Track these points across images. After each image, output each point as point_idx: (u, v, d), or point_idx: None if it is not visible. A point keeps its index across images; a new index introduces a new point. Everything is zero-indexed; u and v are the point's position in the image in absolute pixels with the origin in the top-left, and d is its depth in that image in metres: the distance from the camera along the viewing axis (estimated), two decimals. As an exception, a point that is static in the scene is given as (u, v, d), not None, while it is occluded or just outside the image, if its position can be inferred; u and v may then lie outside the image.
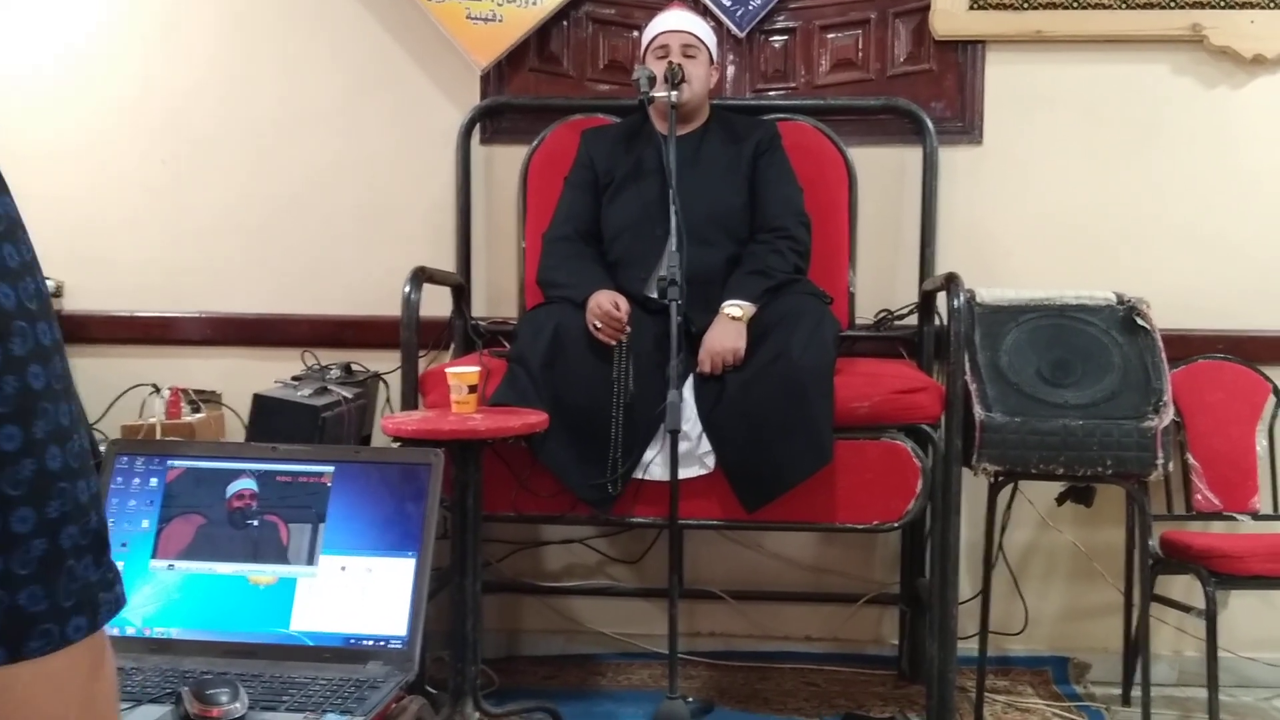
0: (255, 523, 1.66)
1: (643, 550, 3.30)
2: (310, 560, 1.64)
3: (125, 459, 1.68)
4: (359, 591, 1.62)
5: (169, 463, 1.68)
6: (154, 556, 1.65)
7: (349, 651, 1.59)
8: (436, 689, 2.65)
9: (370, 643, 1.60)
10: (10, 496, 0.56)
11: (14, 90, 3.36)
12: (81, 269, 3.28)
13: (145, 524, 1.66)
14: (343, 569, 1.63)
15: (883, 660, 3.26)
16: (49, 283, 2.46)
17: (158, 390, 3.05)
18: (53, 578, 0.58)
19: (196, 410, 3.08)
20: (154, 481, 1.68)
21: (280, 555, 1.65)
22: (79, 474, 0.59)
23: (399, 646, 1.59)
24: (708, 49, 2.97)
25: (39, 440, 0.57)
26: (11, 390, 0.56)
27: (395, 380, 2.93)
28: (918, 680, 3.06)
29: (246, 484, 1.68)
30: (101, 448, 1.74)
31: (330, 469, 1.67)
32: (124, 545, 1.62)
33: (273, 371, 3.04)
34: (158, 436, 2.86)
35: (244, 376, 3.11)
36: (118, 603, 0.62)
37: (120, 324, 3.33)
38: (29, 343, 0.57)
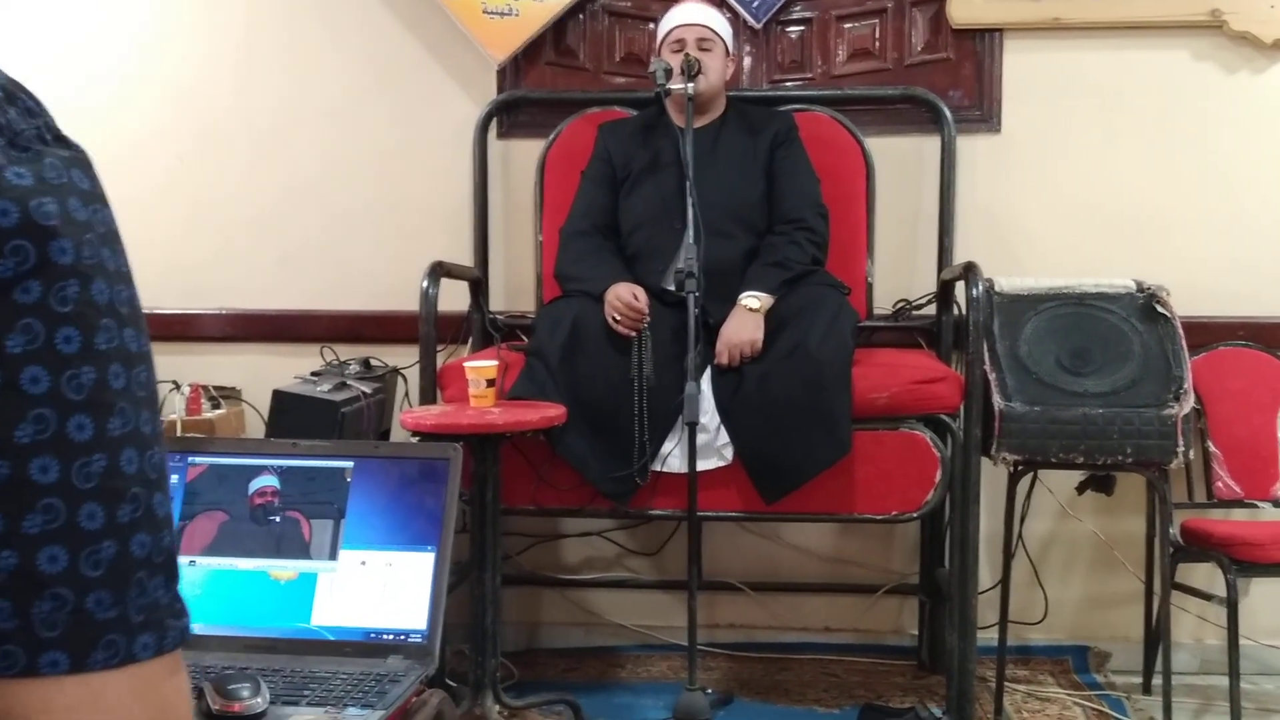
0: (277, 519, 1.67)
1: (662, 542, 3.30)
2: (331, 555, 1.65)
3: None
4: (379, 586, 1.63)
5: (190, 460, 1.70)
6: (176, 553, 1.66)
7: (369, 646, 1.60)
8: (457, 682, 2.66)
9: (390, 637, 1.61)
10: (80, 489, 0.54)
11: (36, 91, 3.37)
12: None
13: (167, 520, 1.67)
14: (363, 564, 1.64)
15: (902, 651, 3.26)
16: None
17: (178, 387, 3.07)
18: (123, 586, 0.56)
19: (216, 407, 3.09)
20: (175, 478, 1.69)
21: (302, 551, 1.66)
22: (155, 485, 0.58)
23: (419, 640, 1.60)
24: (724, 41, 2.96)
25: (114, 438, 0.56)
26: (88, 381, 0.55)
27: (414, 375, 2.94)
28: (937, 670, 3.05)
29: (268, 480, 1.69)
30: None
31: (350, 464, 1.68)
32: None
33: (292, 367, 3.05)
34: (178, 433, 2.88)
35: (263, 372, 3.12)
36: (183, 634, 0.60)
37: (140, 320, 3.34)
38: (114, 341, 0.57)
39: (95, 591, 0.55)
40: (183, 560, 1.67)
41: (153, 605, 0.57)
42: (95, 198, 0.59)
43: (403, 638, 1.61)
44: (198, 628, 1.64)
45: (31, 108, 0.59)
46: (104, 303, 0.57)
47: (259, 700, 1.38)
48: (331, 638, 1.62)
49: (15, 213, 0.54)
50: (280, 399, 2.71)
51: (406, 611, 1.61)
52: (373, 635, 1.61)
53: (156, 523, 0.58)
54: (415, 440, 2.52)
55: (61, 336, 0.55)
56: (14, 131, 0.57)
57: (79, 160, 0.59)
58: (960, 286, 2.88)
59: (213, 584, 1.66)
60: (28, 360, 0.53)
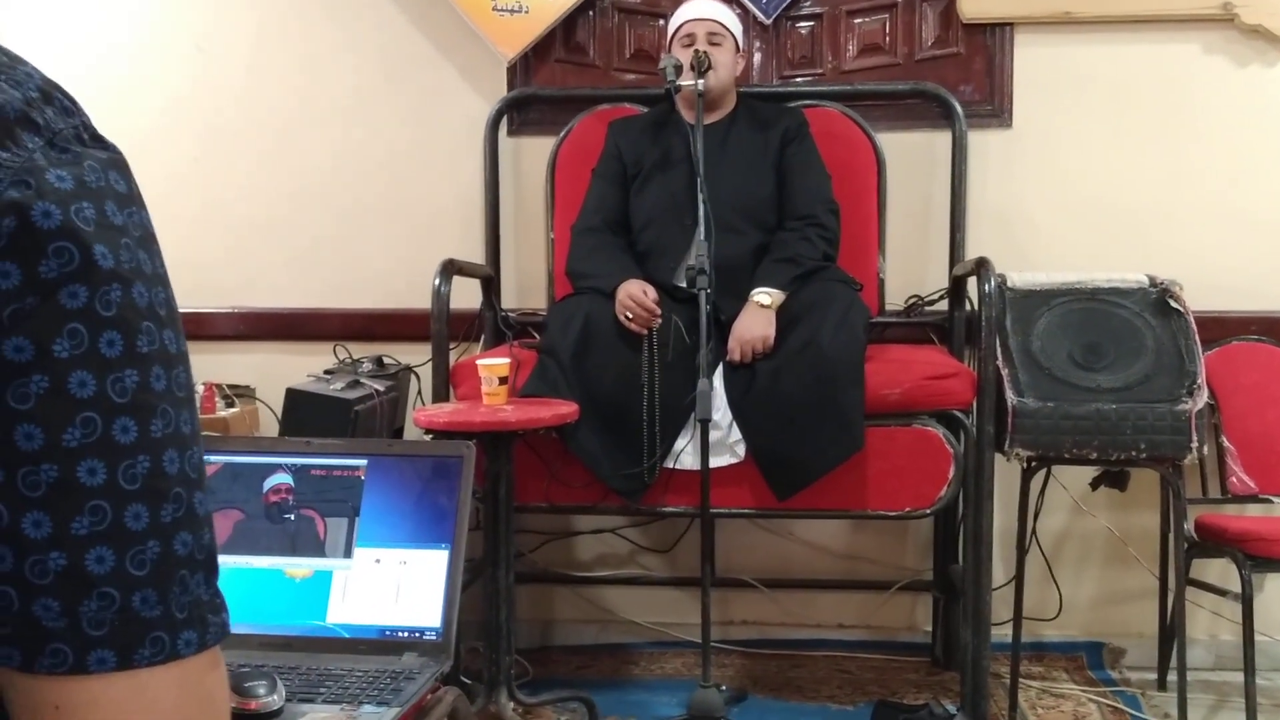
0: (292, 517, 1.68)
1: (674, 539, 3.30)
2: (346, 553, 1.65)
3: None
4: (394, 583, 1.63)
5: (205, 458, 1.70)
6: (191, 551, 1.67)
7: (384, 643, 1.60)
8: (471, 679, 2.66)
9: (405, 634, 1.61)
10: (125, 491, 0.56)
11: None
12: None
13: (182, 519, 1.67)
14: (377, 561, 1.64)
15: (916, 647, 3.25)
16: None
17: (192, 385, 3.07)
18: (166, 584, 0.57)
19: (230, 405, 3.10)
20: (190, 477, 1.69)
21: (317, 549, 1.66)
22: (195, 485, 0.60)
23: (434, 638, 1.61)
24: (734, 37, 2.96)
25: (156, 439, 0.57)
26: (131, 384, 0.56)
27: (426, 373, 2.94)
28: (951, 667, 3.05)
29: (283, 479, 1.70)
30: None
31: (364, 462, 1.68)
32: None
33: (305, 365, 3.06)
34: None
35: (277, 371, 3.13)
36: (223, 629, 0.62)
37: (153, 320, 3.35)
38: (154, 343, 0.58)
39: (141, 590, 0.56)
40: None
41: (195, 602, 0.59)
42: (132, 200, 0.60)
43: (417, 635, 1.61)
44: (213, 626, 1.64)
45: (69, 107, 0.60)
46: (144, 305, 0.58)
47: (275, 698, 1.38)
48: (346, 635, 1.62)
49: (58, 215, 0.55)
50: (294, 397, 2.72)
51: (421, 609, 1.61)
52: (388, 633, 1.62)
53: (198, 521, 0.60)
54: (428, 438, 2.52)
55: (105, 340, 0.56)
56: (53, 131, 0.58)
57: (116, 162, 0.60)
58: (972, 282, 2.88)
59: (228, 582, 1.65)
60: (75, 365, 0.54)
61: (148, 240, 0.61)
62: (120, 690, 0.56)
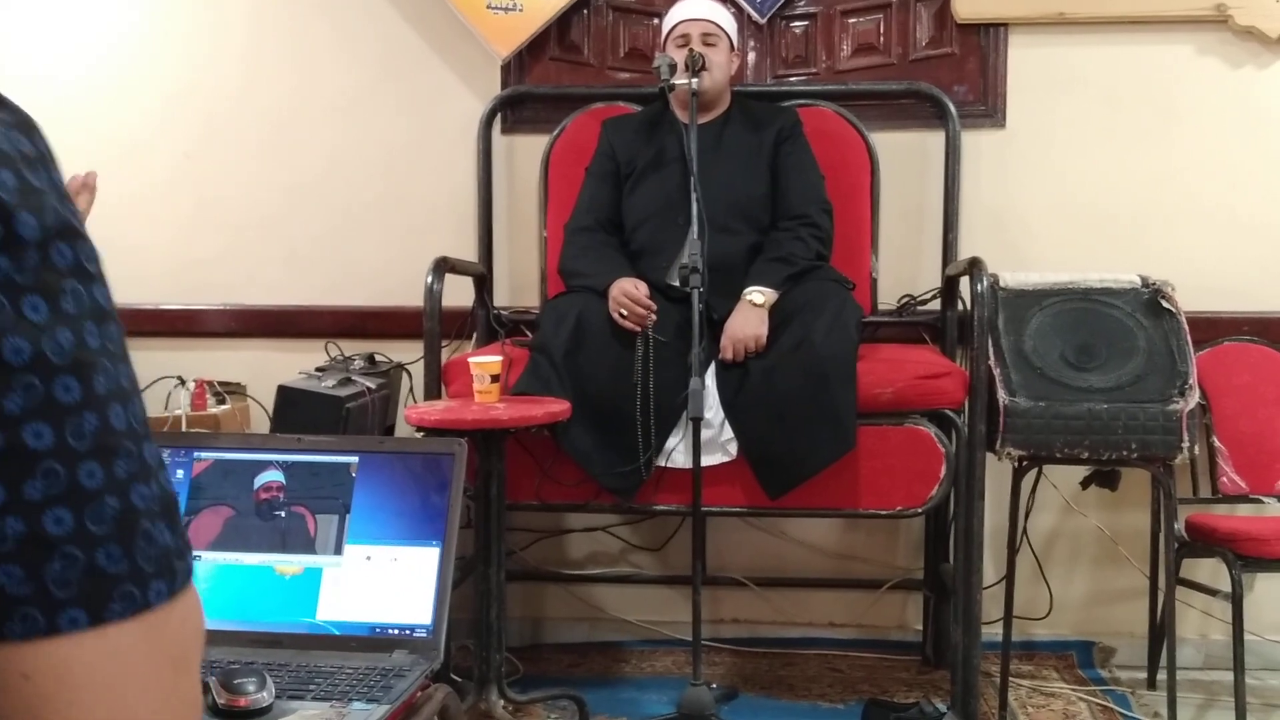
0: (283, 514, 1.68)
1: (666, 538, 3.30)
2: (336, 550, 1.65)
3: (152, 449, 1.69)
4: (384, 581, 1.63)
5: (195, 455, 1.70)
6: (181, 548, 1.66)
7: (374, 641, 1.60)
8: (461, 677, 2.67)
9: (396, 632, 1.61)
10: (76, 450, 0.55)
11: (44, 89, 3.38)
12: (106, 263, 3.29)
13: (172, 515, 1.67)
14: (368, 559, 1.64)
15: (907, 646, 3.26)
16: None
17: (183, 382, 3.07)
18: (130, 538, 0.57)
19: (221, 402, 3.10)
20: (180, 474, 1.69)
21: (307, 546, 1.66)
22: (143, 437, 0.59)
23: (424, 635, 1.61)
24: (728, 36, 2.96)
25: (100, 395, 0.57)
26: (67, 343, 0.56)
27: (418, 370, 2.94)
28: (942, 666, 3.06)
29: (274, 476, 1.69)
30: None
31: (355, 459, 1.68)
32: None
33: (297, 363, 3.05)
34: (183, 429, 2.88)
35: (268, 368, 3.12)
36: (189, 572, 0.61)
37: (144, 317, 3.35)
38: (84, 301, 0.57)
39: (104, 546, 0.56)
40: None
41: (162, 551, 0.59)
42: (42, 161, 0.59)
43: (408, 633, 1.61)
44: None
45: None
46: (65, 265, 0.57)
47: (265, 695, 1.38)
48: (337, 632, 1.62)
49: None
50: (285, 394, 2.72)
51: (411, 606, 1.61)
52: (378, 630, 1.62)
53: (150, 471, 0.59)
54: (420, 436, 2.52)
55: (28, 305, 0.55)
56: None
57: (22, 123, 0.59)
58: (965, 282, 2.88)
59: (218, 579, 1.66)
60: (5, 332, 0.54)
61: (64, 197, 0.59)
62: (91, 650, 0.56)
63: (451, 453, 1.66)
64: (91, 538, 0.56)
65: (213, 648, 1.59)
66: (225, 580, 1.66)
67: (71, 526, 0.55)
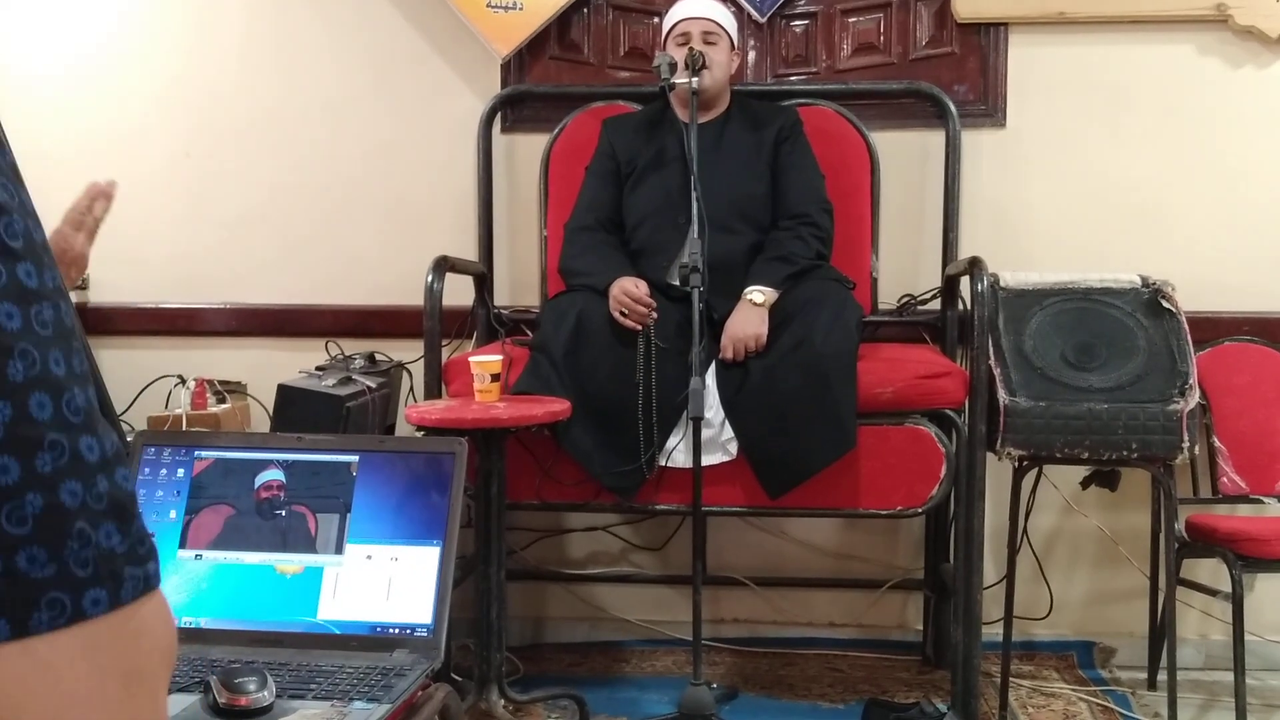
0: (283, 513, 1.68)
1: (666, 537, 3.30)
2: (337, 549, 1.65)
3: (152, 450, 1.69)
4: (385, 580, 1.63)
5: (196, 454, 1.70)
6: (182, 547, 1.67)
7: (375, 640, 1.60)
8: (462, 676, 2.66)
9: (396, 631, 1.61)
10: None
11: (40, 86, 3.38)
12: (107, 262, 3.26)
13: (173, 515, 1.67)
14: (369, 558, 1.64)
15: (907, 646, 3.26)
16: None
17: (183, 381, 3.07)
18: (58, 539, 0.51)
19: (222, 401, 3.10)
20: (181, 472, 1.69)
21: (308, 545, 1.66)
22: (79, 429, 0.53)
23: (424, 635, 1.60)
24: (728, 35, 2.96)
25: (16, 383, 0.51)
26: None
27: (419, 369, 2.94)
28: (942, 666, 3.05)
29: (274, 475, 1.69)
30: (129, 439, 1.76)
31: (355, 459, 1.68)
32: (151, 536, 1.63)
33: (297, 362, 3.05)
34: (183, 427, 2.88)
35: (269, 367, 3.13)
36: (148, 581, 0.55)
37: (145, 316, 3.35)
38: (0, 279, 0.52)
39: (26, 549, 0.51)
40: (188, 554, 1.68)
41: (105, 555, 0.53)
42: None
43: (408, 632, 1.61)
44: (204, 622, 1.64)
45: None
46: None
47: (265, 694, 1.38)
48: (337, 632, 1.62)
49: None
50: (285, 393, 2.71)
51: (412, 606, 1.61)
52: (378, 629, 1.61)
53: (88, 468, 0.54)
54: (420, 435, 2.52)
55: None
56: None
57: None
58: (965, 281, 2.88)
59: (219, 578, 1.66)
60: None
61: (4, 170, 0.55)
62: (17, 663, 0.51)
63: (452, 452, 1.66)
64: (9, 539, 0.50)
65: (213, 647, 1.59)
66: (226, 579, 1.66)
67: None
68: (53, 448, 0.52)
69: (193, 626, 1.63)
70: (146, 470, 1.67)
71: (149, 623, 0.56)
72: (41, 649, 0.51)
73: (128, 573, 0.54)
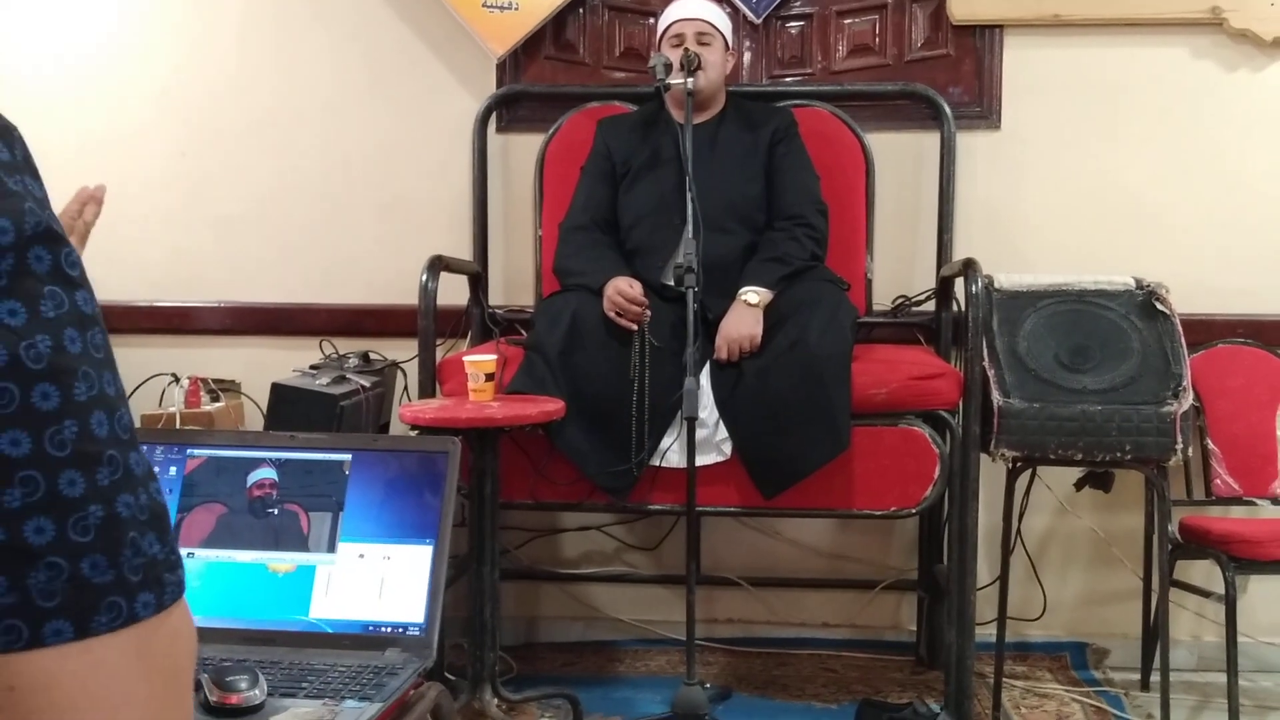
0: (275, 511, 1.67)
1: (660, 537, 3.30)
2: (329, 548, 1.65)
3: (144, 448, 1.68)
4: (377, 579, 1.63)
5: (189, 452, 1.70)
6: (174, 545, 1.66)
7: (367, 639, 1.60)
8: (456, 676, 2.66)
9: (388, 630, 1.61)
10: (55, 458, 0.54)
11: (38, 85, 3.37)
12: (101, 260, 3.22)
13: (165, 513, 1.67)
14: (361, 556, 1.64)
15: (900, 646, 3.26)
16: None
17: (177, 380, 3.07)
18: (115, 548, 0.56)
19: (216, 399, 3.09)
20: (173, 470, 1.69)
21: (300, 543, 1.66)
22: (129, 445, 0.58)
23: (417, 634, 1.60)
24: (723, 36, 2.96)
25: (80, 403, 0.56)
26: (45, 349, 0.55)
27: (413, 369, 2.94)
28: (936, 666, 3.06)
29: (267, 473, 1.69)
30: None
31: (348, 457, 1.67)
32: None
33: (291, 360, 3.05)
34: (177, 426, 2.88)
35: (263, 366, 3.12)
36: (180, 586, 0.60)
37: (139, 314, 3.35)
38: (63, 306, 0.56)
39: (89, 556, 0.55)
40: (181, 552, 1.67)
41: (150, 563, 0.58)
42: (21, 166, 0.58)
43: (401, 631, 1.61)
44: (196, 620, 1.64)
45: None
46: (44, 271, 0.56)
47: (256, 692, 1.38)
48: (329, 630, 1.61)
49: None
50: (279, 392, 2.71)
51: (404, 605, 1.61)
52: (371, 628, 1.61)
53: (136, 480, 0.58)
54: (414, 434, 2.52)
55: (5, 310, 0.54)
56: None
57: (2, 130, 0.58)
58: (960, 283, 2.88)
59: (211, 576, 1.66)
60: None
61: (43, 204, 0.58)
62: (78, 662, 0.55)
63: (445, 451, 1.66)
64: (75, 547, 0.55)
65: (205, 645, 1.58)
66: (218, 578, 1.66)
67: (53, 535, 0.54)
68: (110, 463, 0.57)
69: (185, 625, 1.63)
70: (139, 468, 1.66)
71: (181, 624, 0.61)
72: (99, 649, 0.55)
73: (167, 579, 0.59)
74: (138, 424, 2.93)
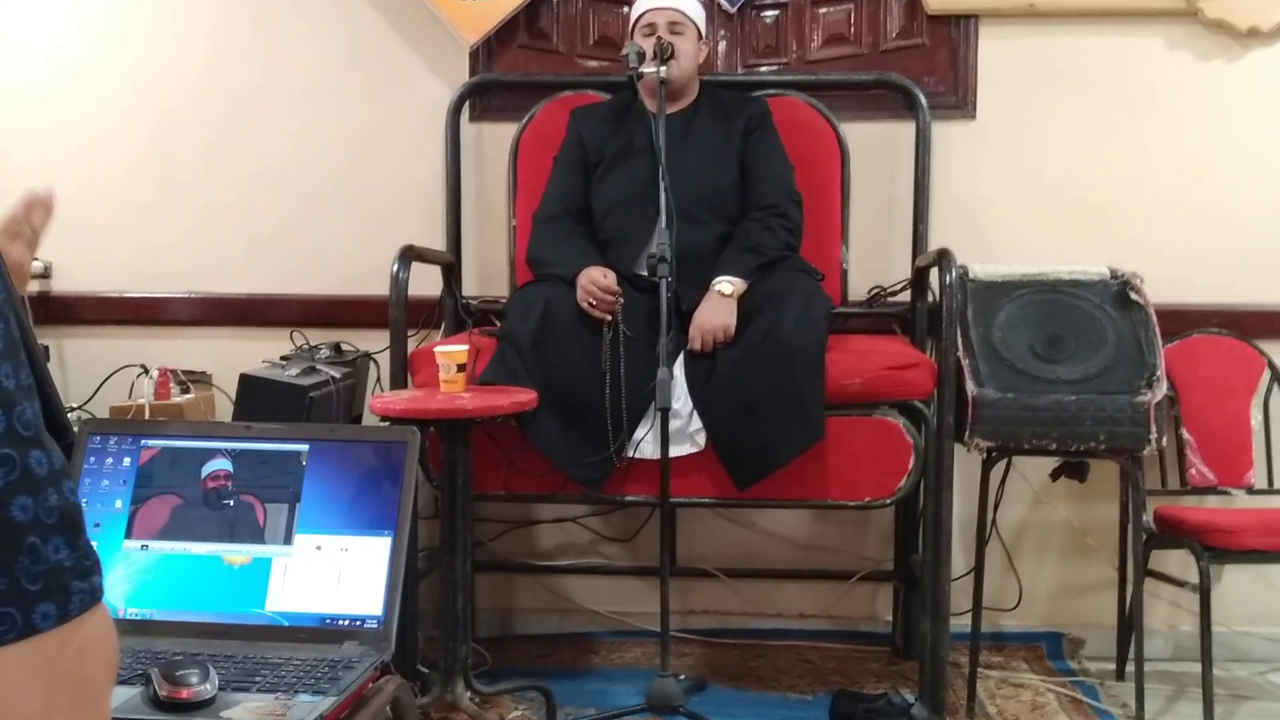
0: (231, 503, 1.65)
1: (635, 528, 3.29)
2: (286, 540, 1.63)
3: (98, 439, 1.66)
4: (335, 571, 1.60)
5: (143, 442, 1.67)
6: (127, 537, 1.64)
7: (324, 631, 1.58)
8: (429, 668, 2.65)
9: (346, 622, 1.59)
10: None
11: (6, 76, 3.34)
12: (70, 250, 3.25)
13: (118, 504, 1.64)
14: (318, 548, 1.62)
15: (876, 637, 3.25)
16: (36, 263, 2.45)
17: (146, 371, 3.04)
18: (9, 555, 0.52)
19: (186, 391, 3.07)
20: (127, 461, 1.66)
21: (256, 535, 1.64)
22: (30, 443, 0.54)
23: (375, 626, 1.58)
24: (695, 25, 2.94)
25: None
26: None
27: (385, 360, 2.92)
28: (911, 657, 3.05)
29: (221, 464, 1.67)
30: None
31: (305, 448, 1.65)
32: (97, 526, 1.61)
33: (262, 352, 3.02)
34: (146, 418, 2.85)
35: (234, 357, 3.09)
36: (93, 594, 0.56)
37: (109, 305, 3.32)
38: None
39: None
40: (134, 544, 1.65)
41: (54, 570, 0.53)
42: None
43: (358, 623, 1.59)
44: (150, 613, 1.62)
45: None
46: None
47: (207, 686, 1.36)
48: (286, 623, 1.59)
49: None
50: (247, 383, 2.69)
51: (363, 597, 1.59)
52: (328, 621, 1.59)
53: (38, 482, 0.54)
54: (385, 425, 2.49)
55: None
56: None
57: None
58: (934, 273, 2.87)
59: (165, 569, 1.64)
60: None
61: None
62: None
63: (404, 441, 1.64)
64: None
65: (159, 639, 1.57)
66: (172, 570, 1.63)
67: None
68: (4, 462, 0.52)
69: (139, 618, 1.61)
70: (92, 459, 1.64)
71: (94, 635, 0.56)
72: None
73: (75, 586, 0.54)
74: (106, 416, 2.91)
